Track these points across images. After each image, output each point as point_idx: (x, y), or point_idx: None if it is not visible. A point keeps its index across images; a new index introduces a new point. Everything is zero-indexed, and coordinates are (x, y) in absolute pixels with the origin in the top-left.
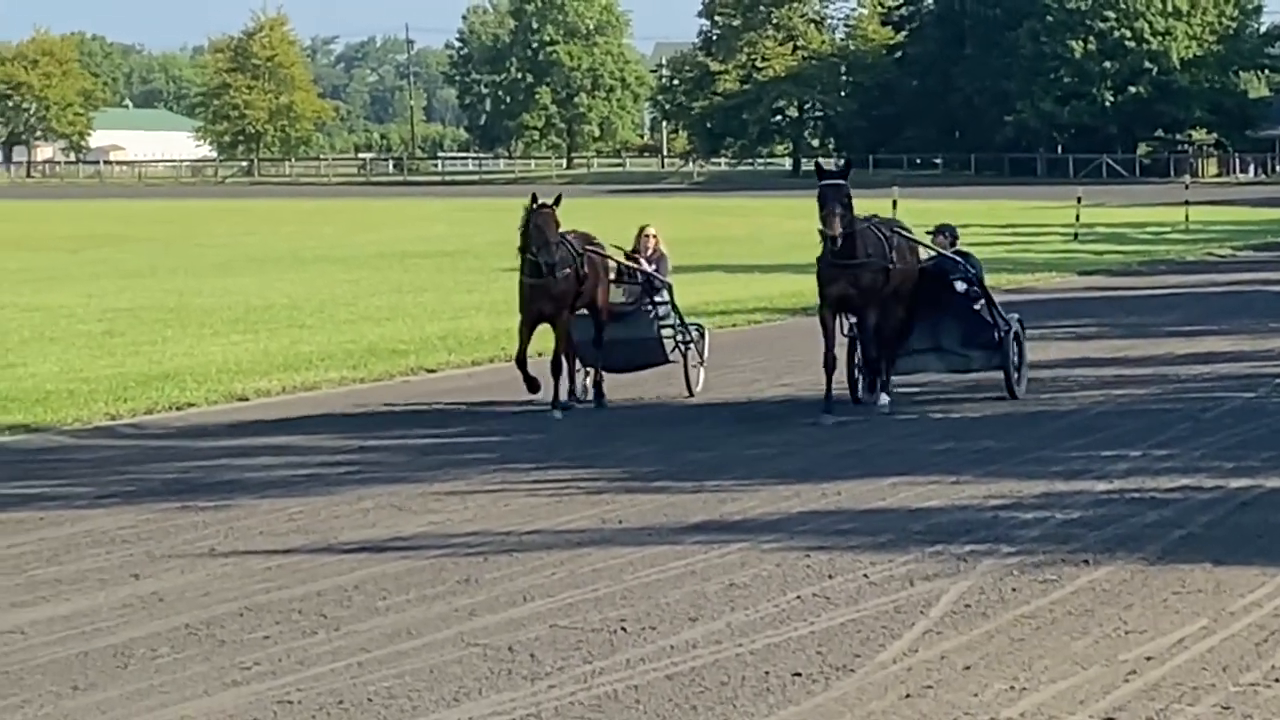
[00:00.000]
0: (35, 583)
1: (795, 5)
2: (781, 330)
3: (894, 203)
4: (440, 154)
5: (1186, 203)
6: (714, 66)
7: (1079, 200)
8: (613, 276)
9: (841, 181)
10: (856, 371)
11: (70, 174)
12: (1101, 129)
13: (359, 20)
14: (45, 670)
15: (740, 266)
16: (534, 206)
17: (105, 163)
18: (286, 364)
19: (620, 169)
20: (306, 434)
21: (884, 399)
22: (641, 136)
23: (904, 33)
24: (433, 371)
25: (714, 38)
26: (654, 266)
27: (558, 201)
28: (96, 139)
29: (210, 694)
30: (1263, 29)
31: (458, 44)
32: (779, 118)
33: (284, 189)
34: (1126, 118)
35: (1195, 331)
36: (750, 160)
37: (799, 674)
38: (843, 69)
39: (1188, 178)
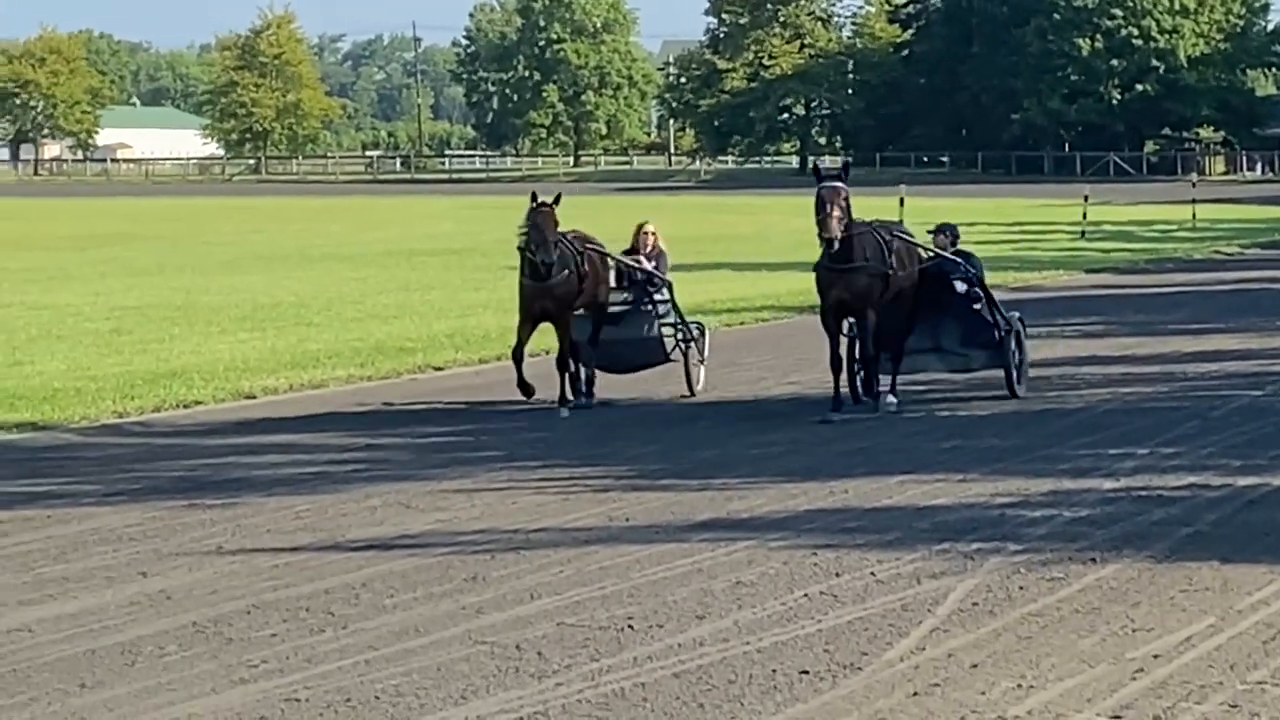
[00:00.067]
0: (43, 580)
1: (802, 3)
2: (788, 328)
3: (901, 200)
4: (447, 152)
5: (1193, 201)
6: (721, 64)
7: (1086, 198)
8: (613, 281)
9: (839, 183)
10: (857, 368)
11: (77, 172)
12: (1108, 127)
13: (366, 18)
14: (53, 668)
15: (747, 264)
16: (533, 205)
17: (112, 161)
18: (294, 362)
19: (627, 167)
20: (314, 432)
21: (890, 399)
22: (648, 134)
23: (911, 31)
24: (440, 369)
25: (721, 36)
26: (653, 264)
27: (557, 200)
28: (104, 137)
29: (218, 692)
30: (1270, 27)
31: (465, 42)
32: (786, 116)
33: (291, 187)
34: (1133, 116)
35: (1202, 329)
36: (757, 158)
37: (806, 672)
38: (850, 67)
39: (1195, 176)
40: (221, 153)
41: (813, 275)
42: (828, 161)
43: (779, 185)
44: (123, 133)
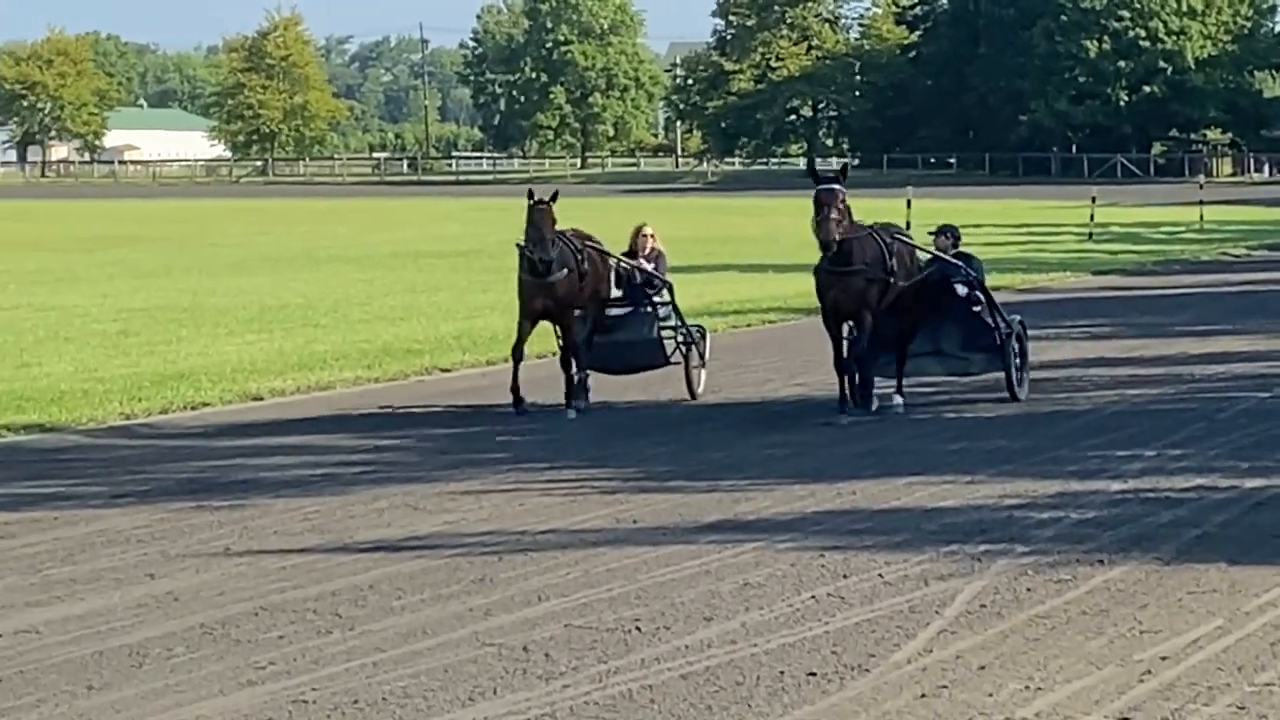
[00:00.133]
0: (50, 582)
1: (809, 5)
2: (795, 330)
3: (908, 202)
4: (454, 153)
5: (1201, 202)
6: (728, 66)
7: (1093, 200)
8: (613, 281)
9: (837, 186)
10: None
11: (85, 174)
12: (1116, 128)
13: (373, 20)
14: (60, 669)
15: (754, 266)
16: (531, 203)
17: (120, 162)
18: (301, 363)
19: (634, 169)
20: (321, 433)
21: (897, 399)
22: (655, 136)
23: (918, 32)
24: (447, 371)
25: (728, 37)
26: (652, 265)
27: (554, 198)
28: (111, 139)
29: (225, 693)
30: (1277, 29)
31: (472, 43)
32: (793, 117)
33: (298, 189)
34: (1141, 117)
35: (1210, 331)
36: (764, 160)
37: (814, 674)
38: (857, 69)
39: (1202, 177)
40: (229, 154)
41: None
42: (833, 163)
43: (786, 187)
44: (130, 134)
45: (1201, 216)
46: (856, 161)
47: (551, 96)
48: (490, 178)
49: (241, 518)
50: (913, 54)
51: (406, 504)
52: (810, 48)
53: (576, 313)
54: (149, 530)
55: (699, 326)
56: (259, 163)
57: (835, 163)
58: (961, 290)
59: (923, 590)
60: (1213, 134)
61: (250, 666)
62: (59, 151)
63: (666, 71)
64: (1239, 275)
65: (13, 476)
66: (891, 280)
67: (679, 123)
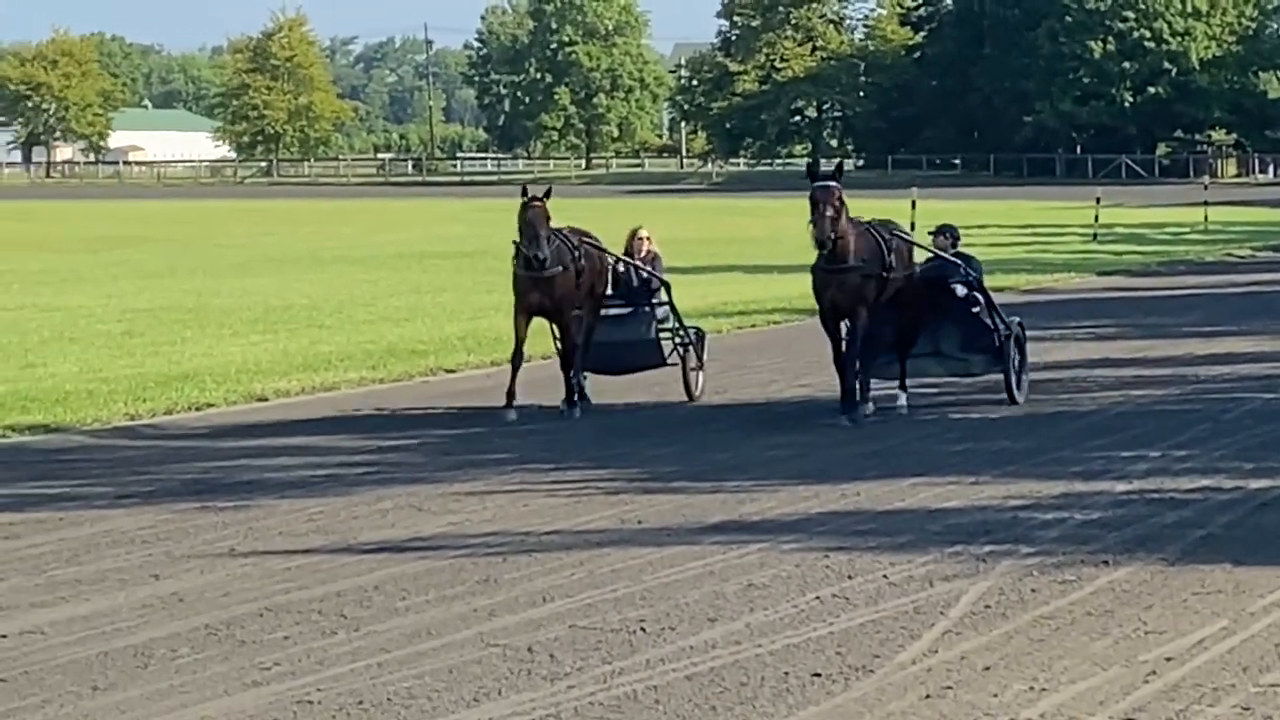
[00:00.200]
0: (55, 583)
1: (814, 6)
2: (800, 331)
3: (913, 203)
4: (459, 154)
5: (1205, 203)
6: (733, 67)
7: (1098, 201)
8: (611, 286)
9: (833, 184)
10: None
11: (89, 174)
12: (1120, 129)
13: (378, 21)
14: (65, 670)
15: (759, 267)
16: (524, 200)
17: (124, 163)
18: (305, 364)
19: (639, 169)
20: (325, 434)
21: (901, 400)
22: (660, 137)
23: (923, 33)
24: (452, 372)
25: (733, 38)
26: (648, 268)
27: (548, 194)
28: (115, 139)
29: (230, 694)
30: None
31: (477, 44)
32: (798, 118)
33: (303, 189)
34: (1145, 118)
35: (1215, 332)
36: (769, 161)
37: (818, 674)
38: (861, 69)
39: (1207, 178)
40: (233, 155)
41: None
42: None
43: (791, 188)
44: (134, 135)
45: (1206, 217)
46: (861, 162)
47: (556, 97)
48: (495, 179)
49: (246, 518)
50: (917, 55)
51: (411, 505)
52: (815, 48)
53: (575, 312)
54: (154, 531)
55: (696, 328)
56: (264, 164)
57: (854, 160)
58: (961, 291)
59: (927, 591)
60: (1218, 135)
61: (255, 667)
62: (64, 152)
63: (671, 72)
64: (1244, 276)
65: (17, 477)
66: (888, 275)
67: (684, 123)
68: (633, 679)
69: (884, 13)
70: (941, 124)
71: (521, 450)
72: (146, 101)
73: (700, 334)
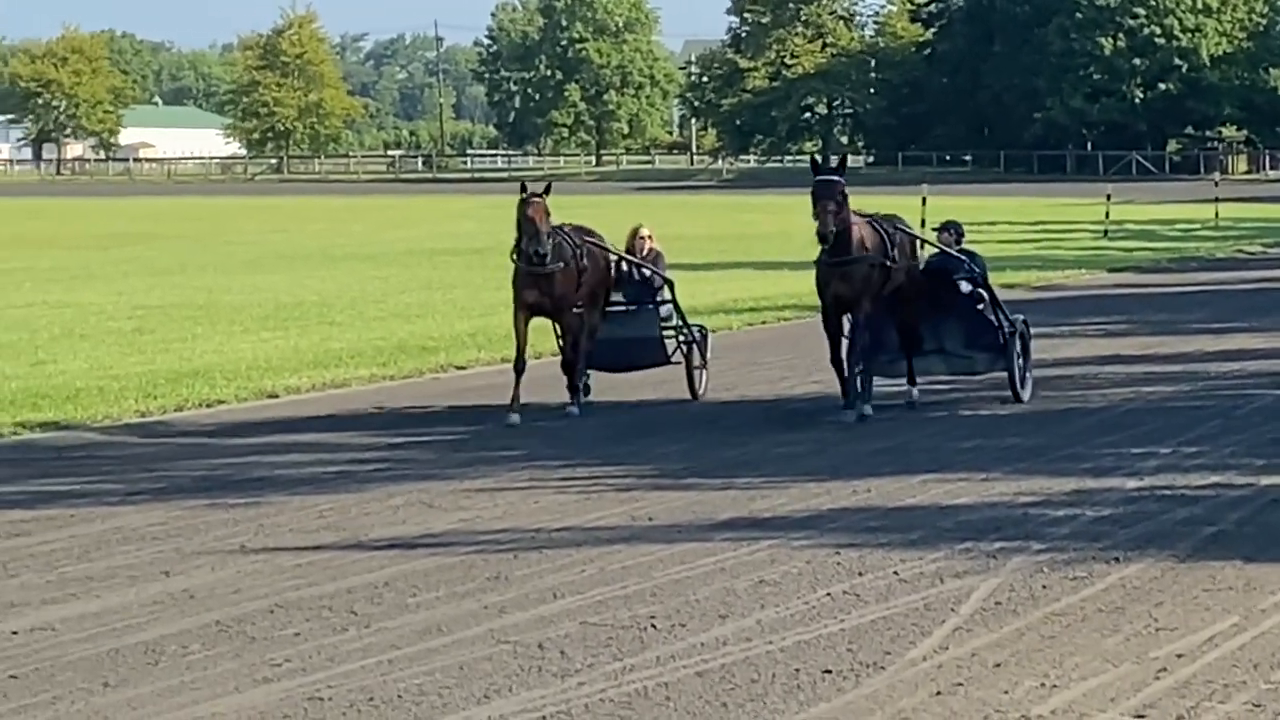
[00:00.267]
0: (66, 580)
1: (824, 2)
2: (810, 328)
3: (923, 200)
4: (469, 151)
5: (1216, 199)
6: (743, 63)
7: (1108, 197)
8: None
9: (836, 178)
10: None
11: (100, 171)
12: (1131, 126)
13: (388, 17)
14: (76, 667)
15: (769, 263)
16: (523, 197)
17: (135, 160)
18: (316, 361)
19: (649, 166)
20: (336, 431)
21: (915, 393)
22: (670, 134)
23: (933, 30)
24: (462, 369)
25: (743, 35)
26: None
27: (547, 191)
28: (126, 136)
29: (241, 691)
30: None
31: (487, 41)
32: (808, 115)
33: (313, 186)
34: (1156, 114)
35: (1225, 329)
36: (779, 157)
37: (829, 671)
38: (872, 66)
39: (1217, 175)
40: (243, 152)
41: None
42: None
43: (801, 184)
44: (145, 132)
45: (1217, 214)
46: (872, 159)
47: (566, 94)
48: (505, 175)
49: (257, 515)
50: (928, 51)
51: (421, 501)
52: (825, 45)
53: (575, 310)
54: (164, 528)
55: (700, 326)
56: (274, 160)
57: (864, 156)
58: (965, 287)
59: (938, 588)
60: (1228, 131)
61: (266, 664)
62: (74, 149)
63: (681, 69)
64: (1254, 273)
65: (28, 474)
66: (892, 265)
67: (694, 120)
68: (643, 676)
69: (894, 9)
70: (952, 121)
71: (532, 447)
72: (157, 98)
73: (704, 332)
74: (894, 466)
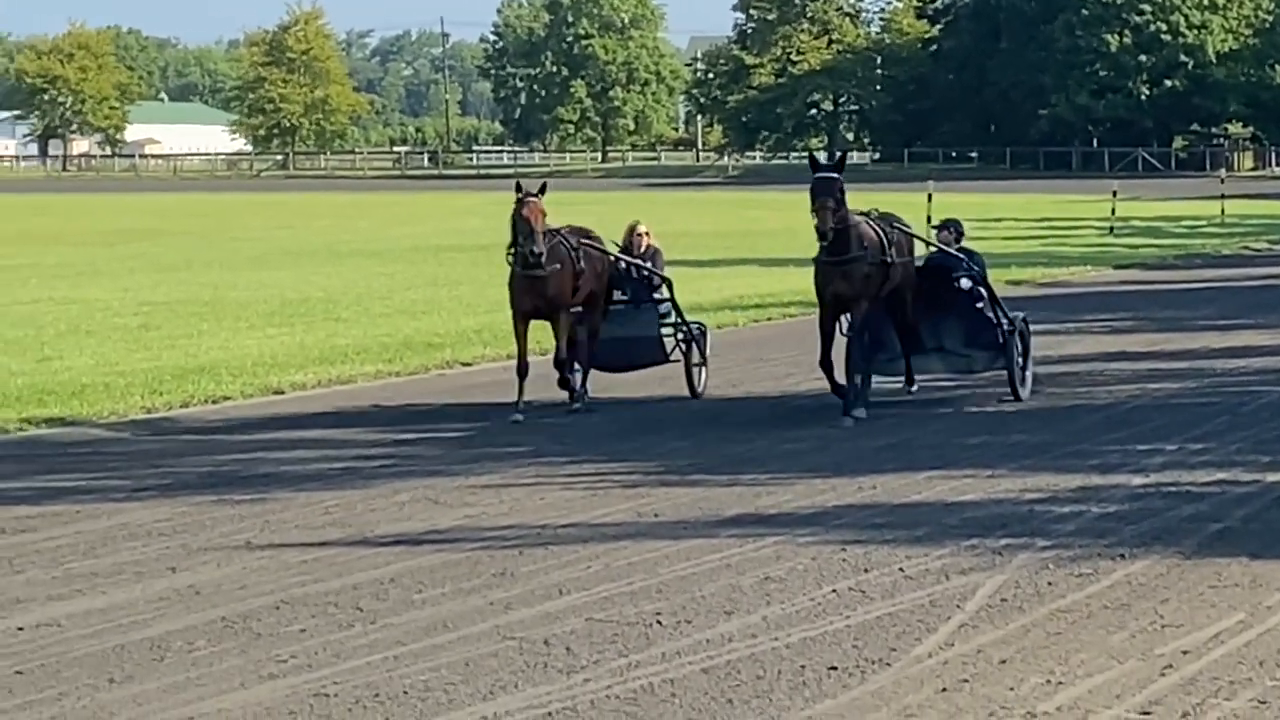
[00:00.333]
0: (72, 576)
1: None
2: (815, 325)
3: (929, 197)
4: (475, 147)
5: (1222, 196)
6: (749, 60)
7: (1114, 194)
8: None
9: (834, 175)
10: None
11: (106, 168)
12: (1137, 122)
13: (394, 14)
14: (82, 663)
15: (774, 260)
16: (519, 197)
17: (141, 156)
18: (322, 357)
19: (655, 163)
20: (342, 427)
21: (912, 390)
22: (676, 130)
23: (939, 26)
24: (468, 365)
25: (749, 31)
26: (648, 263)
27: (542, 190)
28: (132, 132)
29: (246, 687)
30: None
31: (493, 37)
32: (814, 111)
33: (319, 182)
34: (1162, 111)
35: (1231, 325)
36: (785, 154)
37: (835, 668)
38: (878, 63)
39: (1223, 171)
40: (249, 148)
41: None
42: (852, 156)
43: (806, 181)
44: (151, 128)
45: (1223, 210)
46: (877, 155)
47: (572, 90)
48: (511, 172)
49: (262, 511)
50: (934, 48)
51: (427, 498)
52: (831, 41)
53: (572, 311)
54: (170, 524)
55: (699, 324)
56: (279, 157)
57: (853, 156)
58: (965, 284)
59: (944, 584)
60: (1234, 128)
61: (271, 660)
62: (80, 145)
63: (687, 65)
64: (1261, 269)
65: (34, 470)
66: (890, 262)
67: (699, 117)
68: (649, 672)
69: (900, 6)
70: (958, 117)
71: (537, 443)
72: (163, 95)
73: (703, 329)
74: (899, 463)
